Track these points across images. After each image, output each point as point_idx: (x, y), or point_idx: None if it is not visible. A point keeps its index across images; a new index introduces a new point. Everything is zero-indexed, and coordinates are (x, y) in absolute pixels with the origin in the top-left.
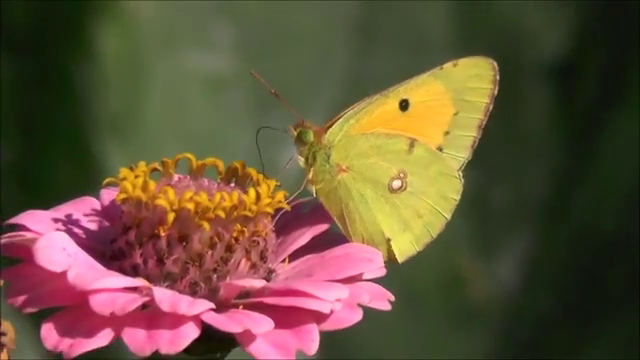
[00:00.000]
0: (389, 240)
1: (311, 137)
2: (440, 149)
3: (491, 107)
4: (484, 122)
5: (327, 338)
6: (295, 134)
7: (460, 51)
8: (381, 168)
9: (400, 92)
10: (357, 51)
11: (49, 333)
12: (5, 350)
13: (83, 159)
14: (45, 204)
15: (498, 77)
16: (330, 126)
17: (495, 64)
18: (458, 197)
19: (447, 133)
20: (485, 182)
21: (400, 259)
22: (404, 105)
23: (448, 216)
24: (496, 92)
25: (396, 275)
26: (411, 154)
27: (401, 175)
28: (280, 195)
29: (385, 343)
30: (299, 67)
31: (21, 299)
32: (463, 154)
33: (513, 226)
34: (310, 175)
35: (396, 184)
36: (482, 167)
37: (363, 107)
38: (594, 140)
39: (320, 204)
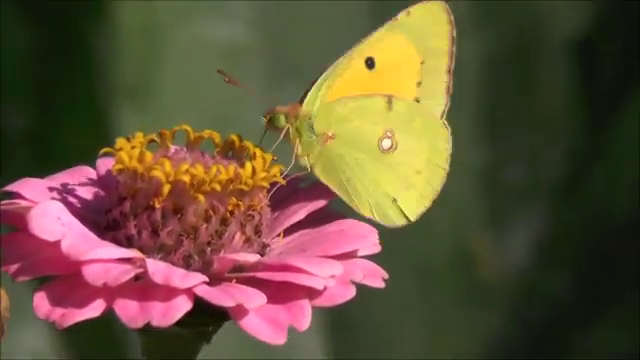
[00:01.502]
0: (395, 200)
1: (282, 121)
2: (417, 101)
3: (454, 49)
4: (452, 65)
5: (334, 314)
6: (265, 121)
7: (478, 31)
8: (367, 130)
9: (363, 51)
10: (374, 22)
11: (41, 302)
12: None
13: (99, 128)
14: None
15: (452, 17)
16: (303, 98)
17: (447, 5)
18: (449, 146)
19: (419, 84)
20: (499, 159)
21: (412, 217)
22: (370, 63)
23: (446, 166)
24: (455, 33)
25: (407, 252)
26: (391, 111)
27: (388, 134)
28: (276, 169)
29: (394, 320)
30: (317, 37)
31: (14, 267)
32: (440, 101)
33: (526, 204)
34: (299, 150)
35: (386, 144)
36: (497, 144)
37: (331, 73)
38: (611, 121)
39: (318, 180)
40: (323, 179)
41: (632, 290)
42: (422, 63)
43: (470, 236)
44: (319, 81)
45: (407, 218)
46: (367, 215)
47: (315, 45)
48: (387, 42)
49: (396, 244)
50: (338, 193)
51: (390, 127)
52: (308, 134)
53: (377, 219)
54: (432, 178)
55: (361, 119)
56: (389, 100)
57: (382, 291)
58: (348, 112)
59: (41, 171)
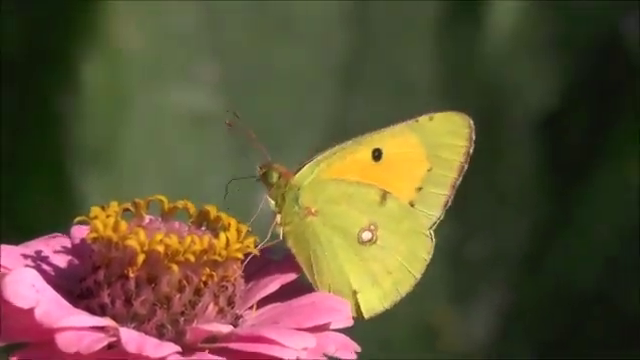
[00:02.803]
0: (356, 293)
1: (275, 178)
2: (412, 204)
3: (466, 166)
4: (458, 181)
5: None
6: (259, 174)
7: (444, 100)
8: (351, 217)
9: (374, 141)
10: (341, 93)
11: None
12: None
13: (63, 190)
14: (23, 233)
15: (474, 135)
16: (300, 169)
17: (471, 121)
18: (429, 257)
19: (420, 189)
20: (463, 233)
21: (366, 314)
22: (377, 155)
23: (418, 276)
24: (472, 150)
25: (370, 325)
26: (383, 207)
27: (371, 227)
28: (250, 240)
29: None
30: (282, 107)
31: None
32: (435, 212)
33: (490, 279)
34: (279, 218)
35: (366, 236)
36: (460, 218)
37: (335, 152)
38: (576, 194)
39: (290, 252)
40: (292, 249)
41: None
42: (429, 170)
43: (433, 310)
44: (319, 157)
45: (361, 314)
46: None
47: (281, 112)
48: (400, 139)
49: (358, 318)
50: (302, 267)
51: (376, 221)
52: (292, 204)
53: None
54: (401, 283)
55: (349, 205)
56: (384, 196)
57: None
58: (339, 195)
59: (3, 231)
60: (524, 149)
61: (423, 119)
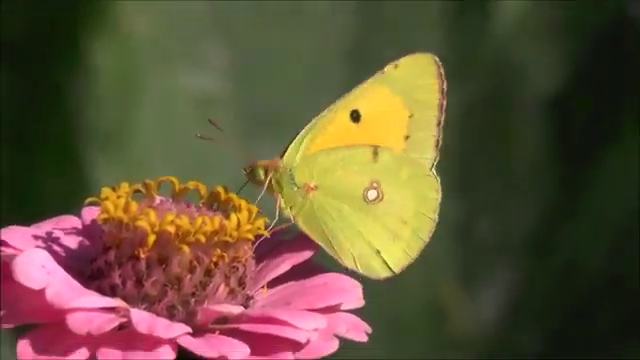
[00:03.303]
0: (379, 252)
1: (261, 175)
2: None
3: (445, 102)
4: (442, 119)
5: None
6: (246, 174)
7: (453, 82)
8: (351, 181)
9: (348, 103)
10: (349, 75)
11: (25, 350)
12: None
13: (73, 173)
14: (34, 216)
15: (442, 70)
16: (285, 152)
17: (436, 58)
18: (438, 195)
19: (407, 137)
20: (471, 214)
21: (396, 269)
22: (355, 116)
23: (434, 217)
24: (445, 86)
25: (378, 304)
26: (377, 162)
27: (374, 185)
28: (261, 221)
29: None
30: (291, 89)
31: None
32: (429, 155)
33: (498, 259)
34: (282, 202)
35: (372, 194)
36: (469, 198)
37: (314, 125)
38: (584, 176)
39: (302, 232)
40: (306, 230)
41: (605, 347)
42: (410, 116)
43: (442, 290)
44: (302, 133)
45: (391, 270)
46: (350, 267)
47: (291, 94)
48: (373, 95)
49: (367, 297)
50: (321, 244)
51: (376, 178)
52: (289, 186)
53: (360, 271)
54: (420, 228)
55: (345, 170)
56: (375, 151)
57: (353, 343)
58: (331, 163)
59: (15, 214)
60: (533, 131)
61: (389, 69)
